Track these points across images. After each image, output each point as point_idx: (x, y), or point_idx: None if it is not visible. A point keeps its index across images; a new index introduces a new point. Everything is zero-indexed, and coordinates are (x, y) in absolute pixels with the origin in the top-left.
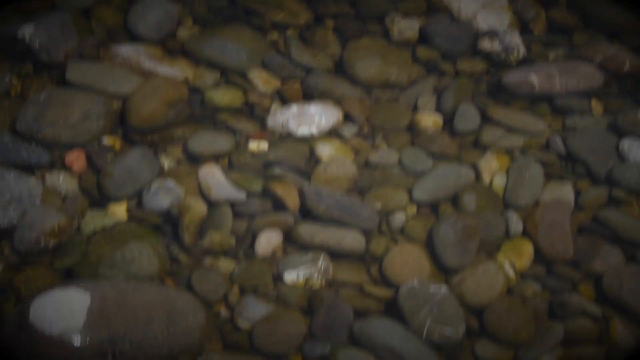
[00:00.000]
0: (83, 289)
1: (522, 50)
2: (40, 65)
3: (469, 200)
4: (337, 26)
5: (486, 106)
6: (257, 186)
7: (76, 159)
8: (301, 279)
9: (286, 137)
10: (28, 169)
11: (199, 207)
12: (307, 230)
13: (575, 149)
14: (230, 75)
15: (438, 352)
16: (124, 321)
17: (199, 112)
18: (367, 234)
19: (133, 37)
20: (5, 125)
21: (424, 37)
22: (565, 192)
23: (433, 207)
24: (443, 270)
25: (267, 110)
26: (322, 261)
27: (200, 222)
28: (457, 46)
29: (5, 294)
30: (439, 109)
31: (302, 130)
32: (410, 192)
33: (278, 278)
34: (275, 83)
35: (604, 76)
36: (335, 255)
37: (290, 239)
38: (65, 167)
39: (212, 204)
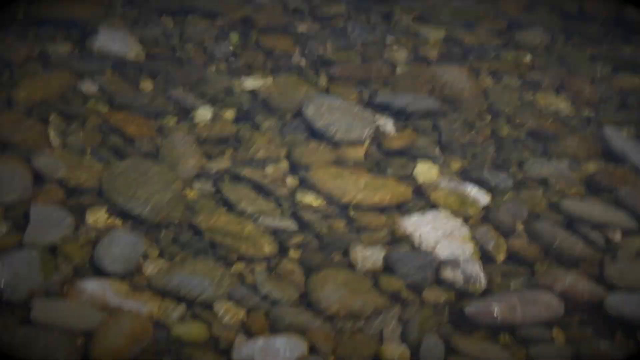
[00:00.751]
0: None
1: (483, 279)
2: (5, 304)
3: None
4: (302, 257)
5: (450, 337)
6: None
7: None
8: None
9: None
10: None
11: None
12: None
13: None
14: (195, 309)
15: None
16: None
17: (164, 346)
18: None
19: (99, 273)
20: None
21: (387, 267)
22: None
23: None
24: None
25: (232, 344)
26: None
27: None
28: (420, 276)
29: None
30: (404, 339)
31: None
32: None
33: None
34: (241, 315)
35: (565, 305)
36: None
37: None
38: None
39: None
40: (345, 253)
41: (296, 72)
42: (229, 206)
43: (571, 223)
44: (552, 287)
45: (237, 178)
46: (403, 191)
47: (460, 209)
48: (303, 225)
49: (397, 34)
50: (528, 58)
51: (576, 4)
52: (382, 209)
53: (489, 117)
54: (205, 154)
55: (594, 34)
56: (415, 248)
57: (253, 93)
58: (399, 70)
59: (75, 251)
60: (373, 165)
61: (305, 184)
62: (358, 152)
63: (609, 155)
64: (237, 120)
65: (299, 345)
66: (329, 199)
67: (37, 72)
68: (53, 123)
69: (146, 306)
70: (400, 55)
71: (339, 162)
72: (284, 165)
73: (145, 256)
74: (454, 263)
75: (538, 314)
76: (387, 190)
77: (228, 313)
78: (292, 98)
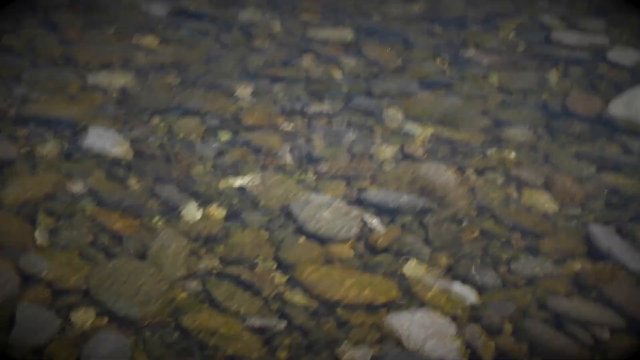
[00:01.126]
0: None
1: None
2: None
3: None
4: (290, 357)
5: None
6: None
7: None
8: None
9: None
10: None
11: None
12: None
13: None
14: None
15: None
16: None
17: None
18: None
19: None
20: None
21: None
22: None
23: None
24: None
25: None
26: None
27: None
28: None
29: None
30: None
31: None
32: None
33: None
34: None
35: None
36: None
37: None
38: None
39: None
40: (333, 353)
41: (284, 169)
42: (216, 305)
43: (559, 321)
44: None
45: (224, 276)
46: (390, 289)
47: (448, 307)
48: (291, 324)
49: (385, 132)
50: (513, 155)
51: (560, 102)
52: (369, 308)
53: (475, 215)
54: (193, 252)
55: (579, 131)
56: (403, 347)
57: (241, 191)
58: (386, 167)
59: (61, 353)
60: (360, 263)
61: (292, 282)
62: (345, 250)
63: (595, 253)
64: (225, 218)
65: None
66: (317, 297)
67: (26, 171)
68: (40, 223)
69: None
70: (388, 152)
71: (327, 260)
72: (272, 263)
73: (132, 358)
74: None
75: None
76: (374, 289)
77: None
78: (279, 195)
